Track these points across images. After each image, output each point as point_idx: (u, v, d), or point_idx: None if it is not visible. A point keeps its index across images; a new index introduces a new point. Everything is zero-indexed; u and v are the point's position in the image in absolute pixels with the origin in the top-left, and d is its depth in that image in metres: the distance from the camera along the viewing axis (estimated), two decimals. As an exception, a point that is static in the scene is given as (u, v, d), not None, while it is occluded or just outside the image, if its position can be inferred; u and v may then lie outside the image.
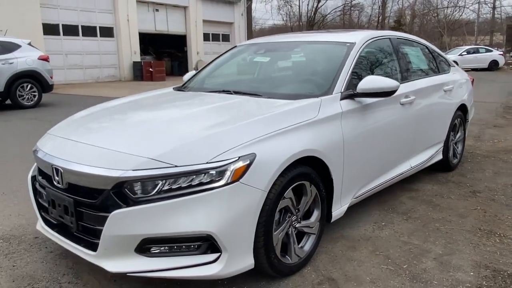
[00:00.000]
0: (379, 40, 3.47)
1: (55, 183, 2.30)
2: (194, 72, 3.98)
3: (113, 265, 2.10)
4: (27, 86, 9.63)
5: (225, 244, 2.04)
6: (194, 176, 2.02)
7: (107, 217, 2.04)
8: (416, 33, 43.35)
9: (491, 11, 36.98)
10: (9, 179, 4.38)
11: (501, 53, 27.71)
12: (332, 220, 2.75)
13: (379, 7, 40.94)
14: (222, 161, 2.05)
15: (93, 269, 2.53)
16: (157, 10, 20.81)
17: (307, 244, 2.56)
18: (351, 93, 2.84)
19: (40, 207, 2.58)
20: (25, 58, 9.47)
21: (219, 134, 2.20)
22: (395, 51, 3.59)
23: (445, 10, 44.23)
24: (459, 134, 4.61)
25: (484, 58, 25.41)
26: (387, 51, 3.52)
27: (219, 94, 3.07)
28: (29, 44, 9.82)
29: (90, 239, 2.20)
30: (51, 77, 10.06)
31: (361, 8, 47.52)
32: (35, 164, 2.74)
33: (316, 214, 2.58)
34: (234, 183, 2.05)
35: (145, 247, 2.07)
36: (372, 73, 3.18)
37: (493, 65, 25.20)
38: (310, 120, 2.51)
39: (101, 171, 2.06)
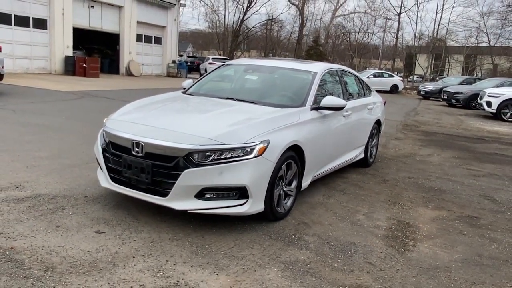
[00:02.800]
0: (331, 70, 5.05)
1: (134, 152, 3.43)
2: (191, 81, 5.20)
3: (179, 205, 3.32)
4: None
5: (252, 193, 3.36)
6: (235, 151, 3.32)
7: (179, 174, 3.25)
8: (329, 53, 47.50)
9: (395, 40, 41.91)
10: (19, 156, 5.17)
11: (401, 78, 31.90)
12: (302, 189, 4.18)
13: (299, 25, 44.06)
14: (252, 143, 3.38)
15: (145, 214, 3.68)
16: (92, 6, 20.93)
17: (289, 202, 3.95)
18: (316, 106, 4.32)
19: (108, 169, 3.66)
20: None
21: (247, 126, 3.54)
22: (340, 79, 5.18)
23: (356, 35, 49.03)
24: (374, 141, 6.36)
25: (387, 82, 29.14)
26: (336, 79, 5.10)
27: (226, 100, 4.37)
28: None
29: (160, 189, 3.37)
30: (2, 67, 10.32)
31: (282, 25, 50.68)
32: (100, 139, 3.80)
33: (294, 183, 3.99)
34: (259, 157, 3.38)
35: (201, 193, 3.31)
36: (328, 94, 4.69)
37: (394, 89, 29.02)
38: (295, 122, 3.93)
39: (179, 145, 3.27)
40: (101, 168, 3.80)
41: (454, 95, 20.02)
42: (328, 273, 2.96)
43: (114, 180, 3.63)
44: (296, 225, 3.78)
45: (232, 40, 42.89)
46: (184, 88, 5.06)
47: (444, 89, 21.59)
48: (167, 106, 4.18)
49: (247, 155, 3.34)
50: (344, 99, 4.95)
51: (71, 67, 19.16)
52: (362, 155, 5.91)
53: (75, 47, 20.73)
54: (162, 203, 3.37)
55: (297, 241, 3.44)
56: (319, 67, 4.85)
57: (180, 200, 3.32)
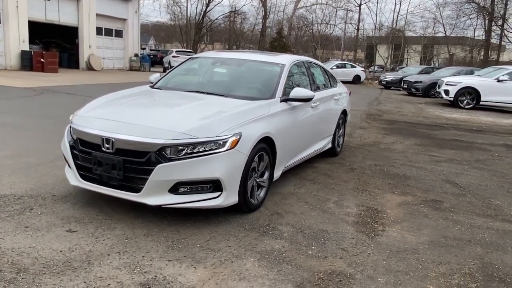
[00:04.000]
0: (299, 62, 5.11)
1: (104, 149, 3.37)
2: (158, 75, 5.14)
3: (153, 201, 3.30)
4: None
5: (226, 185, 3.39)
6: (207, 144, 3.33)
7: (152, 169, 3.22)
8: (292, 45, 47.79)
9: (356, 31, 42.67)
10: (-18, 156, 4.97)
11: (363, 69, 32.59)
12: (274, 180, 4.24)
13: (262, 17, 44.03)
14: (224, 136, 3.39)
15: (118, 211, 3.63)
16: (48, -1, 20.15)
17: (262, 193, 4.00)
18: (285, 98, 4.38)
19: (78, 167, 3.57)
20: None
21: (219, 119, 3.55)
22: (307, 71, 5.26)
23: (318, 26, 49.56)
24: (341, 131, 6.50)
25: (349, 72, 29.70)
26: (303, 71, 5.17)
27: (196, 94, 4.35)
28: None
29: (133, 185, 3.34)
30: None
31: (245, 17, 50.44)
32: (67, 136, 3.71)
33: (267, 175, 4.04)
34: (232, 149, 3.40)
35: (175, 188, 3.30)
36: (295, 86, 4.75)
37: (357, 79, 29.61)
38: (266, 114, 3.97)
39: (151, 140, 3.24)
40: (69, 166, 3.71)
41: (414, 84, 20.66)
42: (303, 261, 3.04)
43: (84, 177, 3.56)
44: (270, 215, 3.84)
45: (195, 33, 42.34)
46: (152, 82, 4.99)
47: (404, 79, 22.22)
48: (136, 101, 4.12)
49: (219, 148, 3.36)
50: (311, 90, 5.03)
51: (28, 62, 18.42)
52: (330, 145, 6.03)
53: (32, 41, 19.92)
54: (136, 199, 3.33)
55: (272, 231, 3.50)
56: (286, 59, 4.90)
57: (153, 195, 3.29)
